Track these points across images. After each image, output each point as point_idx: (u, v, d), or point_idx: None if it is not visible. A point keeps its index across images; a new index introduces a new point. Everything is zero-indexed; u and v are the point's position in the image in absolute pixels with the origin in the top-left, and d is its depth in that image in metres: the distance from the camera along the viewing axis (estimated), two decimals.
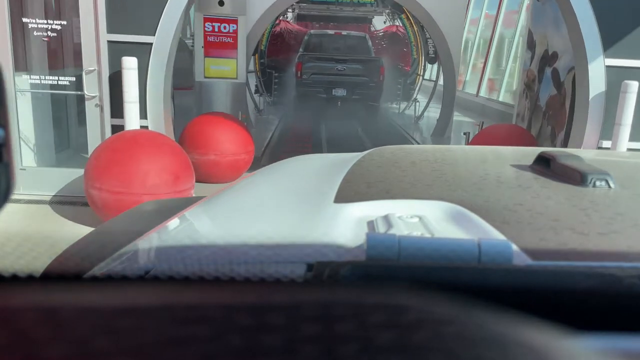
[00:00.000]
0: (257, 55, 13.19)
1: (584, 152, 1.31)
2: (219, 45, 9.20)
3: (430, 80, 15.03)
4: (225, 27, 9.19)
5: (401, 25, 16.08)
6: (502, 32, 15.05)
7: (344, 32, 15.35)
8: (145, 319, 0.30)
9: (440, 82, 13.60)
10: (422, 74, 15.40)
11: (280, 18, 15.40)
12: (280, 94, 14.55)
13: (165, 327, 0.30)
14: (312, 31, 15.73)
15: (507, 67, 13.88)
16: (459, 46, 11.03)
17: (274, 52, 15.30)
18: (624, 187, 1.08)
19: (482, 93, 15.32)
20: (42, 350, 0.27)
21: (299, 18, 17.19)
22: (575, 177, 1.09)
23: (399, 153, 1.46)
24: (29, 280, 0.37)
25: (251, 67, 13.57)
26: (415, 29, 14.55)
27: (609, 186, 1.06)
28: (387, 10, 16.30)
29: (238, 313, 0.31)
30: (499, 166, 1.31)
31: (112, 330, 0.29)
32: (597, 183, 1.06)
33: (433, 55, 13.49)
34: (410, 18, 14.23)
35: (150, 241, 0.92)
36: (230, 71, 9.33)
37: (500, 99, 13.86)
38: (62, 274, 0.39)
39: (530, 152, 1.35)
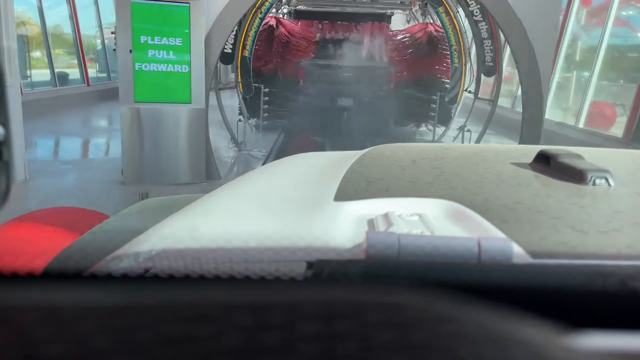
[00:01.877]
0: (239, 64, 10.00)
1: (584, 150, 1.27)
2: (159, 48, 5.74)
3: (483, 99, 10.52)
4: (168, 20, 5.69)
5: (435, 23, 11.89)
6: (579, 30, 11.13)
7: (351, 37, 12.25)
8: (145, 318, 0.31)
9: (503, 103, 10.32)
10: (467, 88, 10.98)
11: (272, 14, 11.64)
12: (272, 115, 10.93)
13: (165, 326, 0.30)
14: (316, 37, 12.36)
15: (591, 79, 9.88)
16: (550, 50, 7.37)
17: (264, 59, 11.25)
18: (624, 185, 1.08)
19: (548, 114, 9.83)
20: (42, 349, 0.28)
21: (297, 15, 12.85)
22: (575, 175, 1.09)
23: (399, 151, 1.47)
24: (29, 278, 0.38)
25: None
26: (458, 27, 10.66)
27: (609, 184, 1.06)
28: (417, 4, 12.24)
29: (238, 311, 0.31)
30: (498, 164, 1.31)
31: (112, 329, 0.29)
32: (597, 181, 1.06)
33: (491, 64, 9.62)
34: (451, 12, 10.53)
35: (150, 239, 0.93)
36: (179, 91, 5.87)
37: (581, 125, 9.79)
38: (62, 273, 0.40)
39: (530, 150, 1.34)
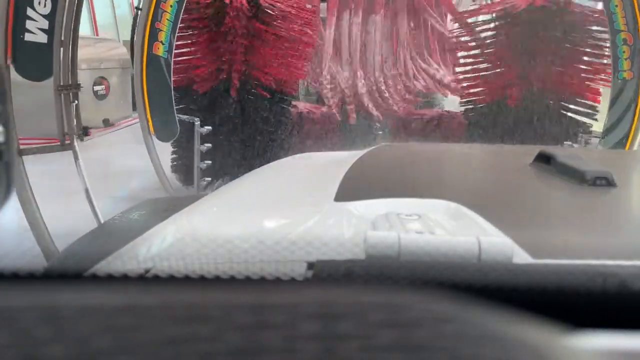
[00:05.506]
0: (143, 74, 4.51)
1: (584, 151, 1.28)
2: None
3: None
4: None
5: None
6: None
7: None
8: (145, 318, 0.31)
9: None
10: None
11: None
12: (225, 173, 4.99)
13: (166, 326, 0.30)
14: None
15: None
16: None
17: (202, 62, 5.02)
18: (624, 186, 1.08)
19: None
20: (42, 350, 0.28)
21: None
22: (576, 175, 1.09)
23: (400, 151, 1.48)
24: (30, 278, 0.38)
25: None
26: None
27: (610, 184, 1.06)
28: None
29: (238, 312, 0.31)
30: (499, 164, 1.32)
31: (112, 329, 0.29)
32: (598, 181, 1.06)
33: None
34: None
35: (151, 240, 0.94)
36: None
37: None
38: (63, 273, 0.40)
39: (530, 150, 1.35)
